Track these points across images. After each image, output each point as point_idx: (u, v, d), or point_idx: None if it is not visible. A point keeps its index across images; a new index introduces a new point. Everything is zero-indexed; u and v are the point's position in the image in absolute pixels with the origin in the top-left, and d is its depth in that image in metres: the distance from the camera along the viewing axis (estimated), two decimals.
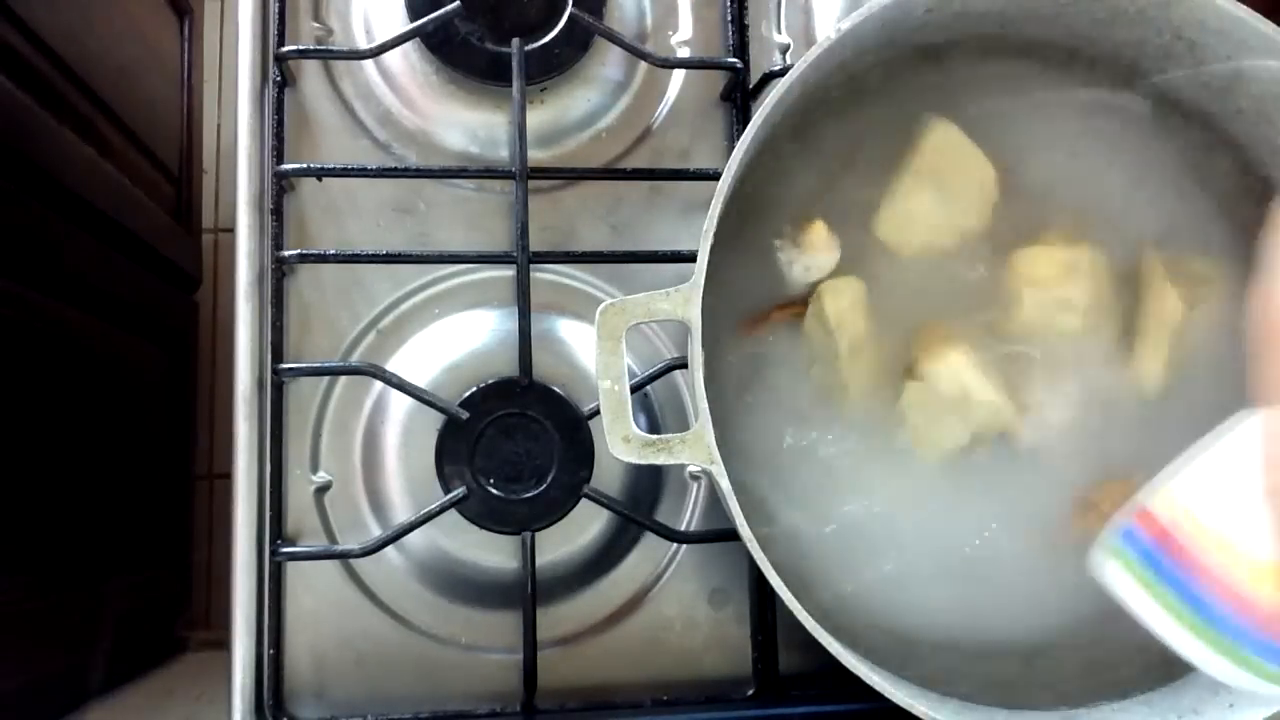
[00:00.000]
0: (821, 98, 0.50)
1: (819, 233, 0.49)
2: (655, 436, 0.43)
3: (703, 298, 0.43)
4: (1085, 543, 0.50)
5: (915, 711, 0.42)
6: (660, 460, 0.43)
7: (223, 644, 0.51)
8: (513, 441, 0.52)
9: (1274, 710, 0.43)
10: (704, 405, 0.42)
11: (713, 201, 0.43)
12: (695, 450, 0.42)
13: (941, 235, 0.50)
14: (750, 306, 0.50)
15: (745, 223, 0.50)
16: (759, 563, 0.42)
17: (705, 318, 0.43)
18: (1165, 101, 0.52)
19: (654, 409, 0.56)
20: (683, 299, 0.43)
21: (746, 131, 0.43)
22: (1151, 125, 0.52)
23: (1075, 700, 0.48)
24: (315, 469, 0.54)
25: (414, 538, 0.53)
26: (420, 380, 0.53)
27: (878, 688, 0.42)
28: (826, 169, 0.51)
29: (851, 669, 0.42)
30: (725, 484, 0.42)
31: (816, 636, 0.42)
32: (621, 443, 0.43)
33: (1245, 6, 0.46)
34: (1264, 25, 0.46)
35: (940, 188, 0.50)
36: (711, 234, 0.43)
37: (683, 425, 0.56)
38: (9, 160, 0.73)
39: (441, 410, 0.52)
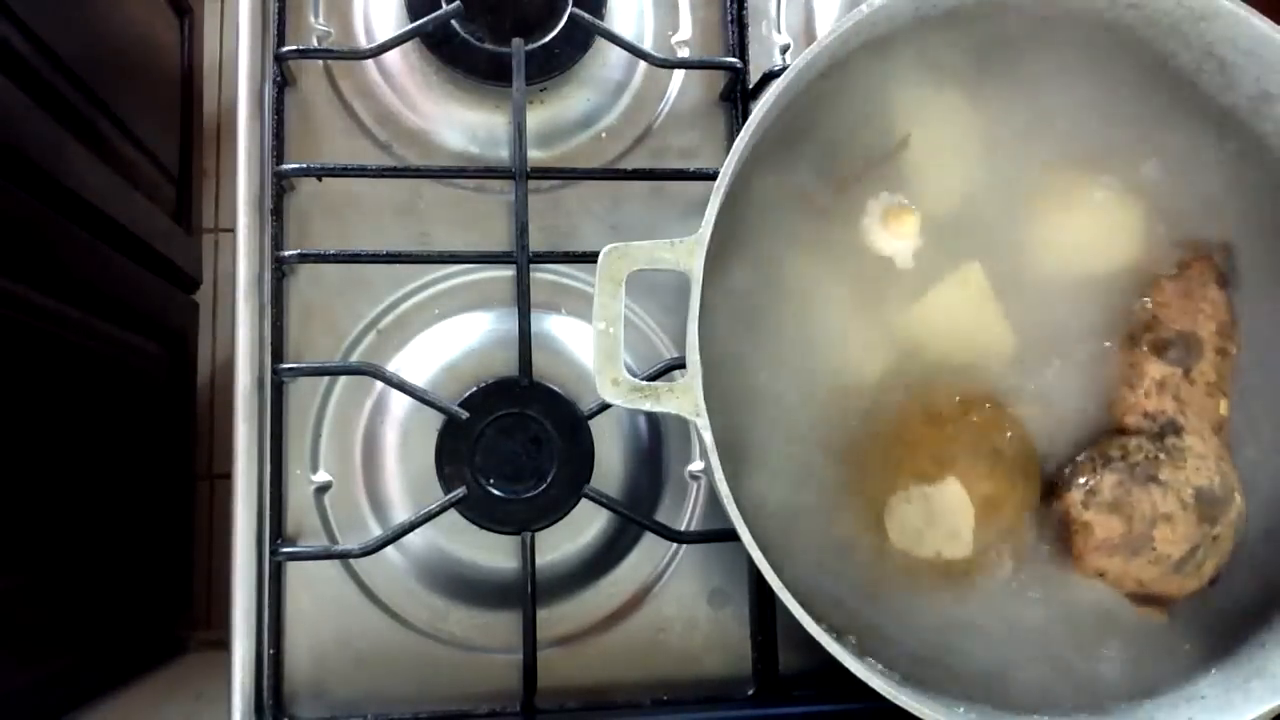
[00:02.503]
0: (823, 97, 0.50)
1: (910, 224, 0.49)
2: (644, 382, 0.43)
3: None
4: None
5: (915, 712, 0.42)
6: (647, 406, 0.42)
7: (223, 644, 0.51)
8: (513, 441, 0.52)
9: (1274, 710, 0.44)
10: (695, 358, 0.42)
11: (711, 198, 0.43)
12: (682, 400, 0.42)
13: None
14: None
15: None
16: (759, 563, 0.42)
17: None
18: (1195, 115, 0.51)
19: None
20: (686, 250, 0.43)
21: (744, 131, 0.43)
22: (1180, 139, 0.51)
23: (1075, 701, 0.48)
24: (315, 469, 0.54)
25: (414, 537, 0.53)
26: (420, 380, 0.53)
27: (877, 688, 0.42)
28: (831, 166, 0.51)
29: (851, 669, 0.42)
30: (709, 437, 0.42)
31: (816, 636, 0.42)
32: (610, 385, 0.42)
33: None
34: None
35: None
36: (713, 222, 0.43)
37: (682, 425, 0.56)
38: (9, 160, 0.73)
39: (441, 410, 0.52)
